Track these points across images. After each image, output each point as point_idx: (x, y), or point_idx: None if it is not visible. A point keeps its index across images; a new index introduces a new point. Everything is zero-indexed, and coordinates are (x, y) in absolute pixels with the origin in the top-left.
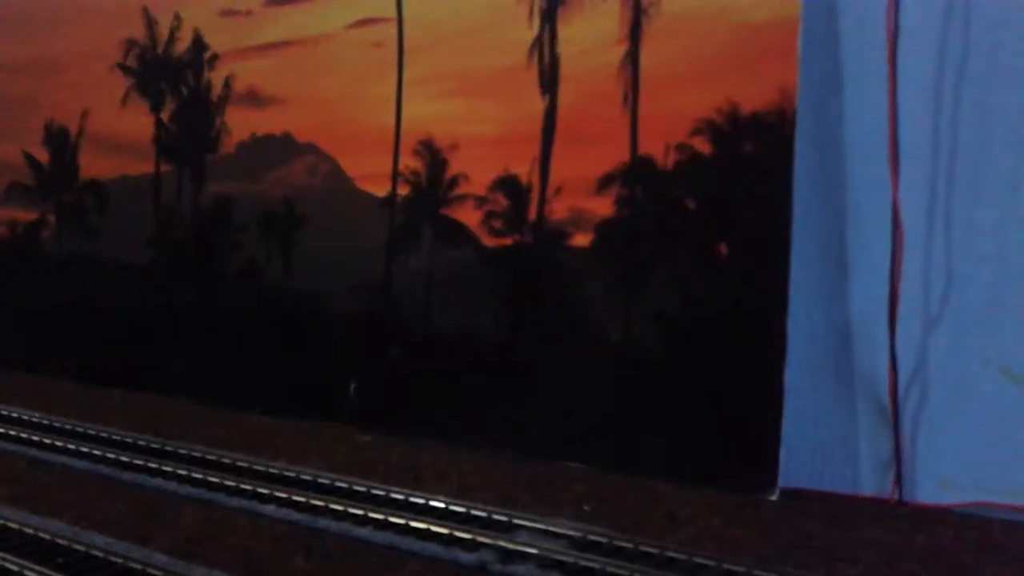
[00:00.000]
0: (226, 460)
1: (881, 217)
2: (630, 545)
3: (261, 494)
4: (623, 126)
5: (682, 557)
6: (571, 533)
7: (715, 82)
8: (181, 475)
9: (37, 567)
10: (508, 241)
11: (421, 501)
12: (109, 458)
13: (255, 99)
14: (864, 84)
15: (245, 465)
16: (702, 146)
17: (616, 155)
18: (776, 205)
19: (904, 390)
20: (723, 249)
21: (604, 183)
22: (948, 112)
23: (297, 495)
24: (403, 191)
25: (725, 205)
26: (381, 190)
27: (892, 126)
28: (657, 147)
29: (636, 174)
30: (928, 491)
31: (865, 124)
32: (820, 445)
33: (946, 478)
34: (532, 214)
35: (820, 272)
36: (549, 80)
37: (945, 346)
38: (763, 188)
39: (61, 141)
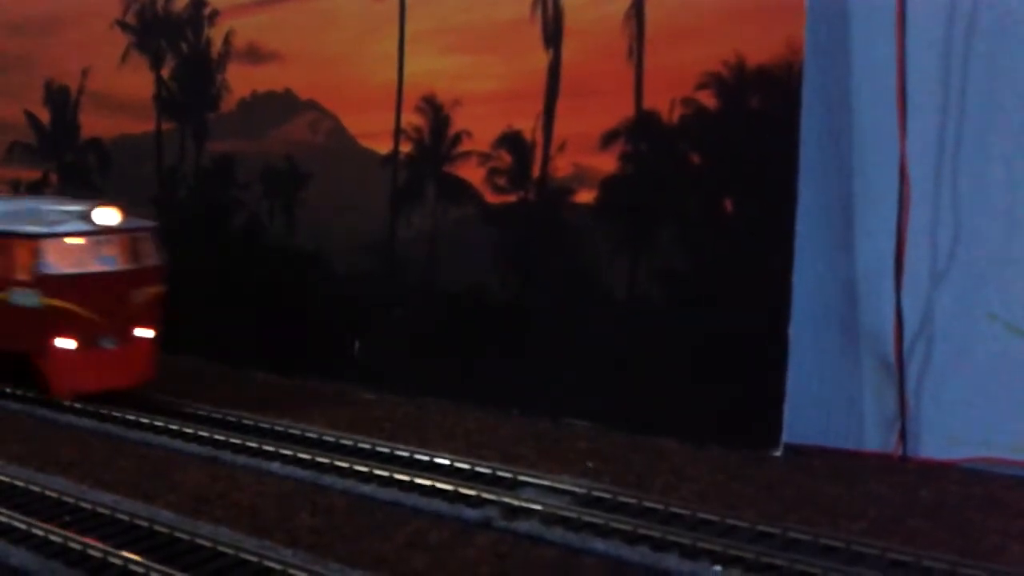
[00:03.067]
0: (231, 418)
1: (888, 172)
2: (634, 501)
3: (266, 452)
4: (628, 80)
5: (686, 513)
6: (575, 490)
7: (721, 35)
8: (187, 433)
9: (44, 525)
10: (512, 198)
11: (426, 458)
12: (115, 417)
13: (255, 55)
14: (872, 37)
15: (250, 423)
16: (708, 100)
17: (620, 110)
18: (782, 160)
19: (909, 346)
20: (729, 205)
21: (608, 139)
22: (957, 66)
23: (302, 453)
24: (406, 148)
25: (731, 160)
26: (383, 147)
27: (900, 80)
28: (662, 102)
29: (641, 129)
30: (933, 447)
31: (873, 78)
32: (825, 401)
33: (951, 434)
34: (536, 171)
35: (826, 227)
36: (553, 34)
37: (951, 302)
38: (769, 143)
39: (62, 100)
